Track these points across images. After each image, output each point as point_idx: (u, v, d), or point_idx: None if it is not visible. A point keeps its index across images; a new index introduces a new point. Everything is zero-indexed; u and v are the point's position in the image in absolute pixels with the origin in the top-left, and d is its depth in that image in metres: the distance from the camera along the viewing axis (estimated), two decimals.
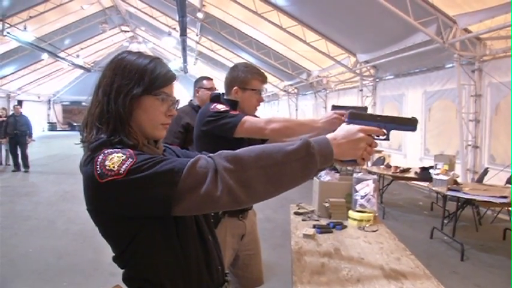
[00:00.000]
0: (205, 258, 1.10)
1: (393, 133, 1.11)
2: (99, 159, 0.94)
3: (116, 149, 0.96)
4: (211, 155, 0.94)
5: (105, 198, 0.93)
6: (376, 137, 1.03)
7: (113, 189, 0.91)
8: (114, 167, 0.91)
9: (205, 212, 1.04)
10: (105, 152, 0.95)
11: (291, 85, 15.74)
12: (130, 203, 0.92)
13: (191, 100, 3.39)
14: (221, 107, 1.91)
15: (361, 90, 10.51)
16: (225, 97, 2.03)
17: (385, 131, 1.06)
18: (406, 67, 8.59)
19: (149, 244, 1.00)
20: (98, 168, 0.92)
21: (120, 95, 1.01)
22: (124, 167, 0.90)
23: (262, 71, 2.09)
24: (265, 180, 0.90)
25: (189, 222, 1.07)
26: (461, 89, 6.58)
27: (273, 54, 12.35)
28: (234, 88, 1.98)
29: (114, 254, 1.06)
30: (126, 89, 1.01)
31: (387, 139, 1.08)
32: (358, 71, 10.25)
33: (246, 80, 1.98)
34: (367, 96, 10.49)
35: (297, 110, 17.05)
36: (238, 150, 0.94)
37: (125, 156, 0.93)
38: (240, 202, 0.91)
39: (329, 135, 0.98)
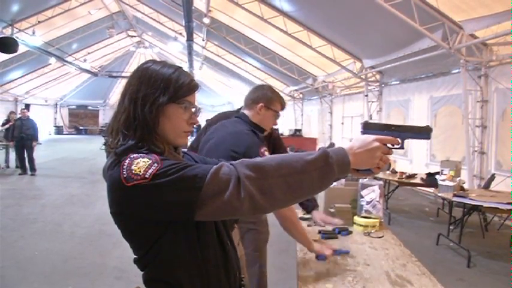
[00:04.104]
0: (224, 263, 1.14)
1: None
2: (125, 164, 0.97)
3: (142, 154, 0.99)
4: (233, 162, 0.97)
5: (131, 202, 0.96)
6: (391, 146, 1.05)
7: (138, 193, 0.93)
8: (140, 172, 0.94)
9: (226, 218, 1.06)
10: (132, 156, 0.98)
11: (296, 90, 15.77)
12: (155, 207, 0.94)
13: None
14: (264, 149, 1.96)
15: (366, 96, 10.50)
16: (248, 117, 2.12)
17: (399, 140, 1.08)
18: (412, 72, 8.58)
19: (171, 248, 1.03)
20: (124, 172, 0.95)
21: (146, 103, 1.04)
22: (150, 171, 0.93)
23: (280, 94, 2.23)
24: (285, 188, 0.93)
25: (209, 227, 1.10)
26: (468, 95, 6.56)
27: (278, 59, 12.38)
28: (260, 104, 2.10)
29: (135, 256, 1.09)
30: (153, 97, 1.05)
31: (402, 148, 1.09)
32: (363, 76, 10.25)
33: (272, 100, 2.12)
34: (372, 102, 10.48)
35: (302, 115, 17.06)
36: (259, 159, 0.97)
37: (150, 161, 0.95)
38: (261, 209, 0.94)
39: (346, 146, 1.01)
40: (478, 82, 6.64)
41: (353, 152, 1.00)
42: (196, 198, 0.91)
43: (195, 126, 1.15)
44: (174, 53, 18.79)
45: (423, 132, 1.12)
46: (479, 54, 6.41)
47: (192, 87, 1.11)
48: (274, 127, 2.34)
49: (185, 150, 1.27)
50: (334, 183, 2.70)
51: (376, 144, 1.01)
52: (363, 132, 1.07)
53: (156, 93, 1.05)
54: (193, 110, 1.11)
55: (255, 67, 14.49)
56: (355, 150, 1.00)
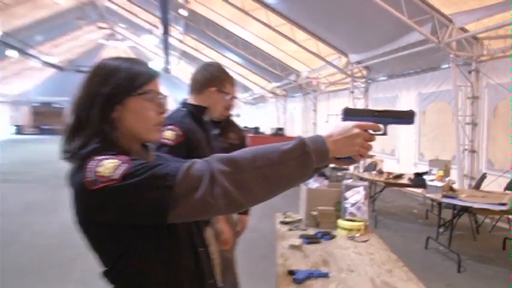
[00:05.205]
0: (198, 272, 1.14)
1: (386, 137, 1.12)
2: (90, 166, 0.95)
3: (108, 155, 0.98)
4: (206, 158, 0.97)
5: (98, 207, 0.94)
6: (373, 133, 1.06)
7: (105, 196, 0.92)
8: (107, 173, 0.93)
9: (202, 217, 1.04)
10: (97, 158, 0.97)
11: (279, 87, 15.82)
12: (124, 210, 0.93)
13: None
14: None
15: (352, 92, 10.61)
16: (190, 101, 1.98)
17: (382, 125, 1.09)
18: (400, 68, 8.69)
19: (141, 257, 1.02)
20: (89, 175, 0.94)
21: (102, 101, 1.03)
22: (118, 172, 0.92)
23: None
24: (262, 181, 0.93)
25: (182, 233, 1.10)
26: (458, 91, 6.67)
27: (260, 54, 12.39)
28: (212, 88, 1.95)
29: (103, 269, 1.06)
30: (108, 94, 1.03)
31: (384, 134, 1.10)
32: (349, 72, 10.34)
33: (223, 82, 1.99)
34: (358, 99, 10.59)
35: (285, 113, 17.12)
36: (232, 153, 0.97)
37: (118, 162, 0.95)
38: (237, 205, 0.94)
39: (324, 133, 1.01)
40: (468, 78, 6.77)
41: (332, 140, 1.00)
42: (168, 198, 0.91)
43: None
44: (149, 47, 18.62)
45: (406, 117, 1.14)
46: (470, 49, 6.53)
47: (150, 74, 1.09)
48: (245, 127, 2.22)
49: (158, 153, 1.26)
50: (317, 185, 2.71)
51: (356, 130, 1.02)
52: (344, 119, 1.08)
53: (110, 88, 1.04)
54: (160, 98, 1.10)
55: (236, 62, 14.48)
56: (334, 137, 1.00)
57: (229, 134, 2.72)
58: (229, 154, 0.97)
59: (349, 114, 1.10)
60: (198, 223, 1.21)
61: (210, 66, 2.04)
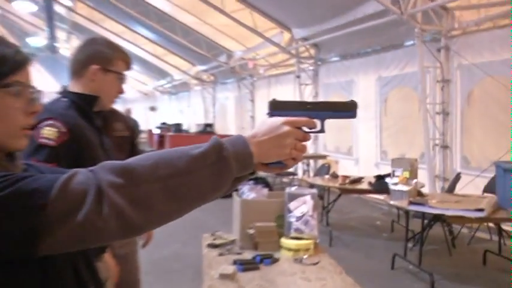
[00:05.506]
0: None
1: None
2: None
3: None
4: (92, 168, 0.94)
5: None
6: (308, 130, 1.08)
7: None
8: None
9: (87, 246, 1.00)
10: None
11: (205, 71, 15.81)
12: None
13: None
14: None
15: (298, 77, 10.82)
16: (72, 89, 1.96)
17: (318, 121, 1.11)
18: (356, 46, 8.99)
19: None
20: None
21: None
22: None
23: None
24: (167, 195, 0.92)
25: (63, 266, 1.05)
26: (425, 73, 7.03)
27: (180, 28, 12.31)
28: (93, 67, 1.92)
29: None
30: None
31: (322, 131, 1.13)
32: (294, 52, 10.54)
33: (110, 58, 1.95)
34: (306, 85, 10.84)
35: (214, 104, 17.13)
36: (128, 160, 0.96)
37: None
38: (135, 227, 0.92)
39: (247, 134, 1.02)
40: (437, 57, 7.14)
41: (256, 141, 1.01)
42: (39, 222, 0.86)
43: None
44: (25, 16, 17.77)
45: (346, 109, 1.17)
46: (439, 22, 6.91)
47: (19, 60, 1.04)
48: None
49: (31, 161, 1.22)
50: (254, 195, 2.73)
51: (286, 128, 1.03)
52: (271, 115, 1.10)
53: None
54: (31, 93, 1.05)
55: (148, 39, 14.30)
56: (259, 137, 1.01)
57: (114, 124, 2.71)
58: (122, 161, 0.95)
59: (276, 108, 1.12)
60: (86, 254, 1.18)
61: (93, 41, 2.02)
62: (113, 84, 1.97)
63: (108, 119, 2.52)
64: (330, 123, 1.13)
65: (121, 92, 2.02)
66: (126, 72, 2.03)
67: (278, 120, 1.04)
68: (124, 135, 2.71)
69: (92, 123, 1.91)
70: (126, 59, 2.02)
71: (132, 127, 2.96)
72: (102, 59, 1.93)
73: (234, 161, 0.96)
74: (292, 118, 1.05)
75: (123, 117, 2.87)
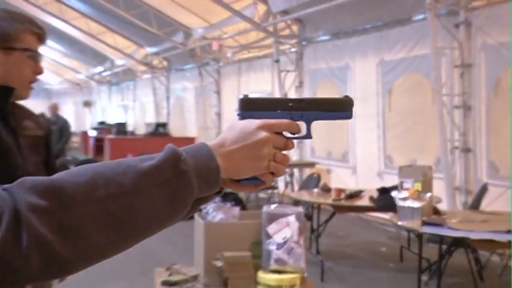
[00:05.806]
0: None
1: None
2: None
3: None
4: (7, 186, 0.92)
5: None
6: (290, 135, 1.06)
7: None
8: None
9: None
10: None
11: (156, 54, 15.88)
12: None
13: None
14: None
15: (277, 61, 10.82)
16: None
17: (303, 123, 1.10)
18: (351, 21, 9.06)
19: None
20: None
21: None
22: None
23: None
24: (106, 222, 0.90)
25: None
26: (440, 56, 7.09)
27: None
28: None
29: None
30: None
31: (308, 136, 1.12)
32: (271, 29, 10.59)
33: (12, 33, 1.92)
34: (287, 71, 10.86)
35: (168, 97, 17.09)
36: (56, 175, 0.94)
37: None
38: (64, 265, 0.90)
39: (212, 142, 1.01)
40: (455, 35, 7.22)
41: (224, 151, 1.00)
42: None
43: None
44: None
45: (340, 108, 1.16)
46: None
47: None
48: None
49: None
50: (221, 216, 2.72)
51: (263, 134, 1.02)
52: (242, 116, 1.08)
53: None
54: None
55: (79, 12, 14.27)
56: (228, 147, 1.01)
57: (23, 122, 2.70)
58: (48, 177, 0.93)
59: (249, 107, 1.10)
60: None
61: None
62: (23, 66, 1.93)
63: (15, 116, 2.50)
64: (319, 122, 1.12)
65: (38, 72, 1.98)
66: (43, 50, 1.99)
67: (252, 123, 1.03)
68: (37, 135, 2.72)
69: (6, 123, 1.88)
70: (36, 31, 1.98)
71: (46, 125, 2.96)
72: (0, 36, 1.91)
73: (196, 177, 0.95)
74: (270, 120, 1.04)
75: (31, 113, 2.86)
